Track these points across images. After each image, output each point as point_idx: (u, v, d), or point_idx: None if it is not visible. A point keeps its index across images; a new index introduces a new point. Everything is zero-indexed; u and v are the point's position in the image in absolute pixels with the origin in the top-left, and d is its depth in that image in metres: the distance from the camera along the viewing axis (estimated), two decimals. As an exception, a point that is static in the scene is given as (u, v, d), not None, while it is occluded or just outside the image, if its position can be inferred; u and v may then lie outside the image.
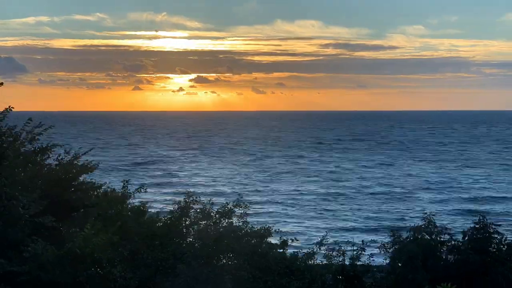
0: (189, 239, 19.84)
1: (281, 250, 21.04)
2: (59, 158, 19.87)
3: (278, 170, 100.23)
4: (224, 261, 19.85)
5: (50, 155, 19.46)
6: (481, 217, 23.65)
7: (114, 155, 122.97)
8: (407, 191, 78.68)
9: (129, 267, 17.19)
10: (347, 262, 22.24)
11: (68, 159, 19.81)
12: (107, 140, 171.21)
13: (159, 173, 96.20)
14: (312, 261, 21.33)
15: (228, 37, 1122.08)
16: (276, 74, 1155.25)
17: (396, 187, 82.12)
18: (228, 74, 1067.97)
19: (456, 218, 59.12)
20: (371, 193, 78.06)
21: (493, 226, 23.44)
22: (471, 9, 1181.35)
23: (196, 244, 19.56)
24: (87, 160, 20.05)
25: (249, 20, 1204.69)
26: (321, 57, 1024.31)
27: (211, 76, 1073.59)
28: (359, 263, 22.32)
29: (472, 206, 65.74)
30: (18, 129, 18.48)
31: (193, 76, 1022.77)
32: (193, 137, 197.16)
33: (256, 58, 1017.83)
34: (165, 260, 18.20)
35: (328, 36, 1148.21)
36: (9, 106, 17.89)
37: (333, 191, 79.37)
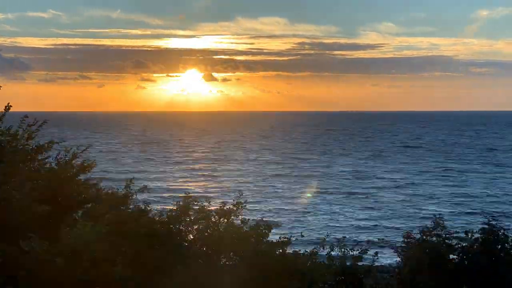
0: (189, 239, 19.71)
1: (282, 250, 20.85)
2: (58, 157, 19.86)
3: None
4: (224, 261, 19.73)
5: (48, 153, 19.43)
6: (490, 219, 23.36)
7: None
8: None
9: (128, 267, 17.09)
10: (348, 263, 22.09)
11: (67, 158, 19.81)
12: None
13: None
14: (313, 261, 21.13)
15: (200, 35, 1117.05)
16: (262, 73, 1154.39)
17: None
18: (215, 74, 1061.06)
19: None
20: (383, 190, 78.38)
21: (503, 229, 23.16)
22: (438, 5, 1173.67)
23: (196, 244, 19.44)
24: (85, 159, 20.04)
25: (209, 17, 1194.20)
26: (299, 56, 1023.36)
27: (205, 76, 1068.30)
28: (360, 263, 22.16)
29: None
30: (15, 128, 18.46)
31: (187, 74, 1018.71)
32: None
33: (235, 57, 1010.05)
34: (164, 260, 18.08)
35: (300, 34, 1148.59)
36: (8, 104, 17.84)
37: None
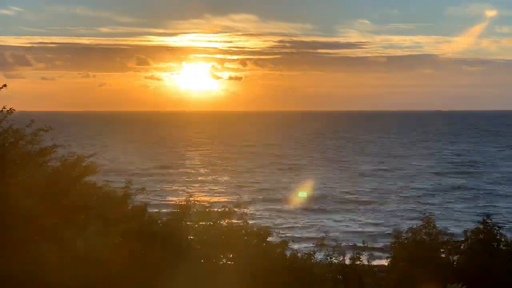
0: (189, 239, 20.01)
1: (281, 250, 21.20)
2: (62, 159, 20.01)
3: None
4: (224, 261, 20.02)
5: (52, 156, 19.57)
6: (485, 218, 23.71)
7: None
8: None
9: (129, 267, 17.39)
10: (347, 262, 22.40)
11: (72, 160, 19.98)
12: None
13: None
14: (312, 261, 21.47)
15: (178, 33, 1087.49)
16: (257, 73, 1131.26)
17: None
18: (204, 73, 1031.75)
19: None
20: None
21: (496, 227, 23.49)
22: (408, 2, 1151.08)
23: (196, 244, 19.72)
24: (91, 162, 20.17)
25: (180, 15, 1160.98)
26: (281, 55, 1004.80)
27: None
28: (359, 263, 22.47)
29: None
30: (21, 130, 18.54)
31: (177, 73, 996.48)
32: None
33: (217, 55, 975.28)
34: (164, 260, 18.32)
35: (277, 32, 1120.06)
36: (11, 108, 17.99)
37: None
